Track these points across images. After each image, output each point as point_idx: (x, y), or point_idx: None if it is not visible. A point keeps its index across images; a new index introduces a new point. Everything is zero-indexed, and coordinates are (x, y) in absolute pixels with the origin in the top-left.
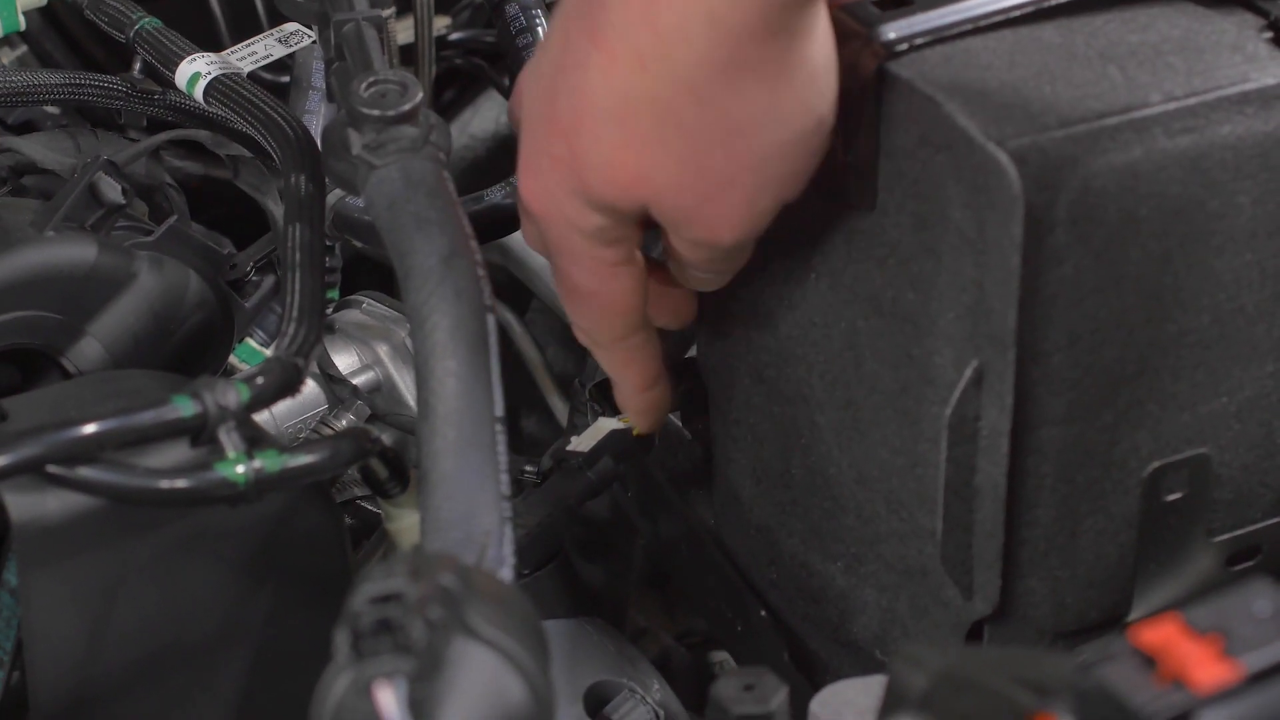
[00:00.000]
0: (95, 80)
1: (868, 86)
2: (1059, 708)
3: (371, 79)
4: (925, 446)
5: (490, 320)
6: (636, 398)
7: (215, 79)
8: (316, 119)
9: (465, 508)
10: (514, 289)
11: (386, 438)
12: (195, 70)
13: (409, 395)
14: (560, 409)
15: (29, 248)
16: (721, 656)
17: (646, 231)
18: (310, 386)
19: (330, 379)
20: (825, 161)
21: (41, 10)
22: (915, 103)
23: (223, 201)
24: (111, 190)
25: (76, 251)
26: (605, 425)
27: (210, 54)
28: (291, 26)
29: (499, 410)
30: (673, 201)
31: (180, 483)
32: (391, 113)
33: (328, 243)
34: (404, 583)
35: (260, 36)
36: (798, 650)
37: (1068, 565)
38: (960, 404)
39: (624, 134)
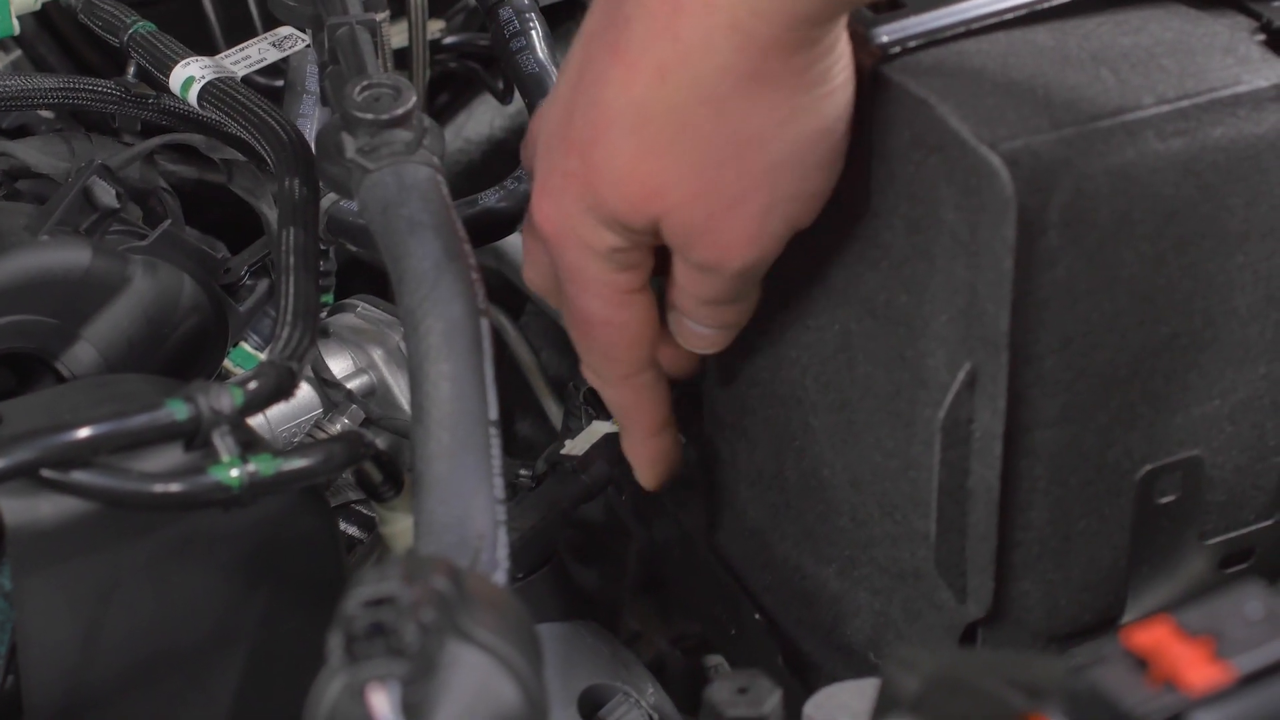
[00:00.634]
0: (89, 84)
1: (862, 88)
2: (1051, 710)
3: (365, 83)
4: (918, 449)
5: (484, 324)
6: (645, 444)
7: (209, 83)
8: (310, 123)
9: (459, 511)
10: (508, 292)
11: (381, 442)
12: (189, 74)
13: (403, 399)
14: (554, 413)
15: (23, 252)
16: (716, 660)
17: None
18: (304, 390)
19: (324, 383)
20: None
21: (35, 14)
22: (908, 105)
23: (217, 205)
24: (106, 194)
25: (71, 256)
26: (599, 429)
27: (204, 58)
28: (285, 30)
29: (493, 414)
30: (685, 216)
31: (174, 486)
32: (385, 116)
33: (322, 247)
34: (398, 586)
35: (254, 40)
36: (792, 653)
37: (1061, 568)
38: (953, 406)
39: (640, 145)
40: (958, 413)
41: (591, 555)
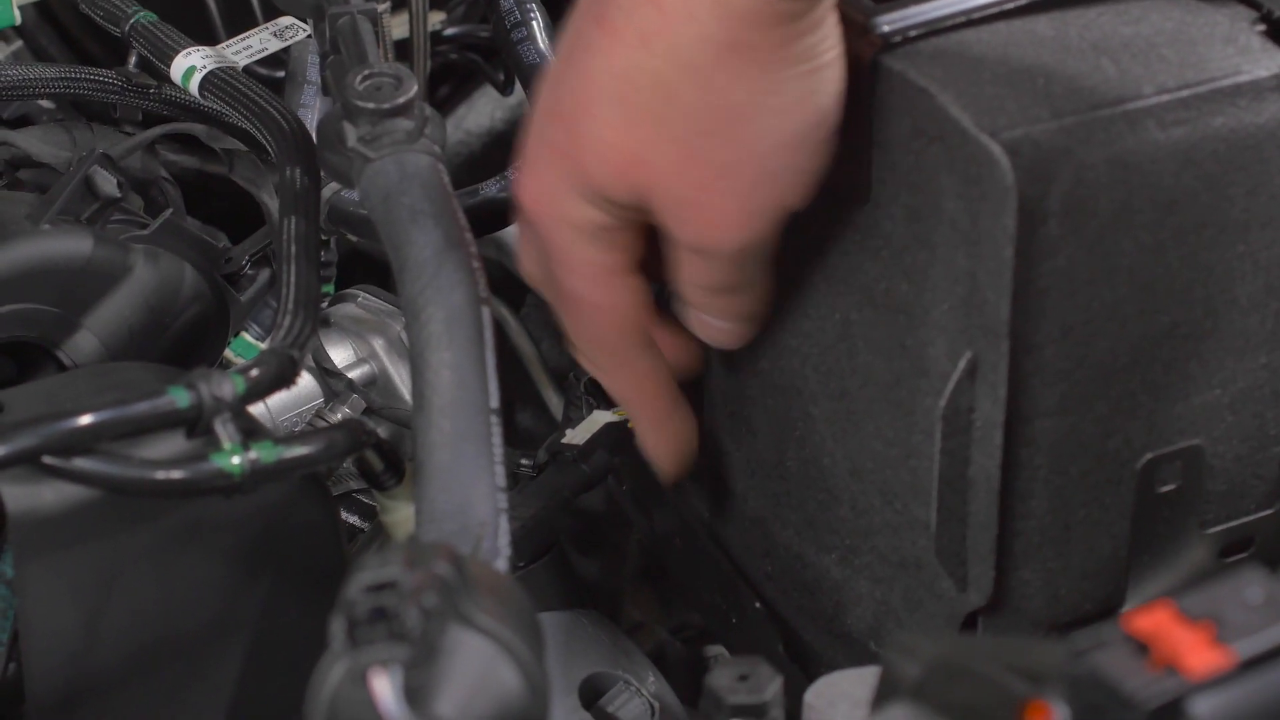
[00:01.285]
0: (90, 74)
1: (863, 78)
2: (1051, 694)
3: (366, 72)
4: (919, 438)
5: (485, 313)
6: (654, 433)
7: (210, 73)
8: (312, 113)
9: (460, 499)
10: (509, 283)
11: (382, 431)
12: (190, 64)
13: (404, 388)
14: (555, 403)
15: (25, 241)
16: (717, 650)
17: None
18: (306, 379)
19: (325, 372)
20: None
21: (36, 4)
22: (909, 94)
23: (218, 195)
24: (107, 184)
25: (72, 245)
26: (600, 418)
27: (205, 48)
28: (286, 20)
29: (494, 402)
30: (670, 188)
31: (176, 474)
32: (386, 105)
33: (323, 236)
34: (399, 571)
35: (255, 30)
36: (792, 642)
37: (1061, 557)
38: (954, 395)
39: (624, 114)
40: (958, 402)
41: (592, 544)
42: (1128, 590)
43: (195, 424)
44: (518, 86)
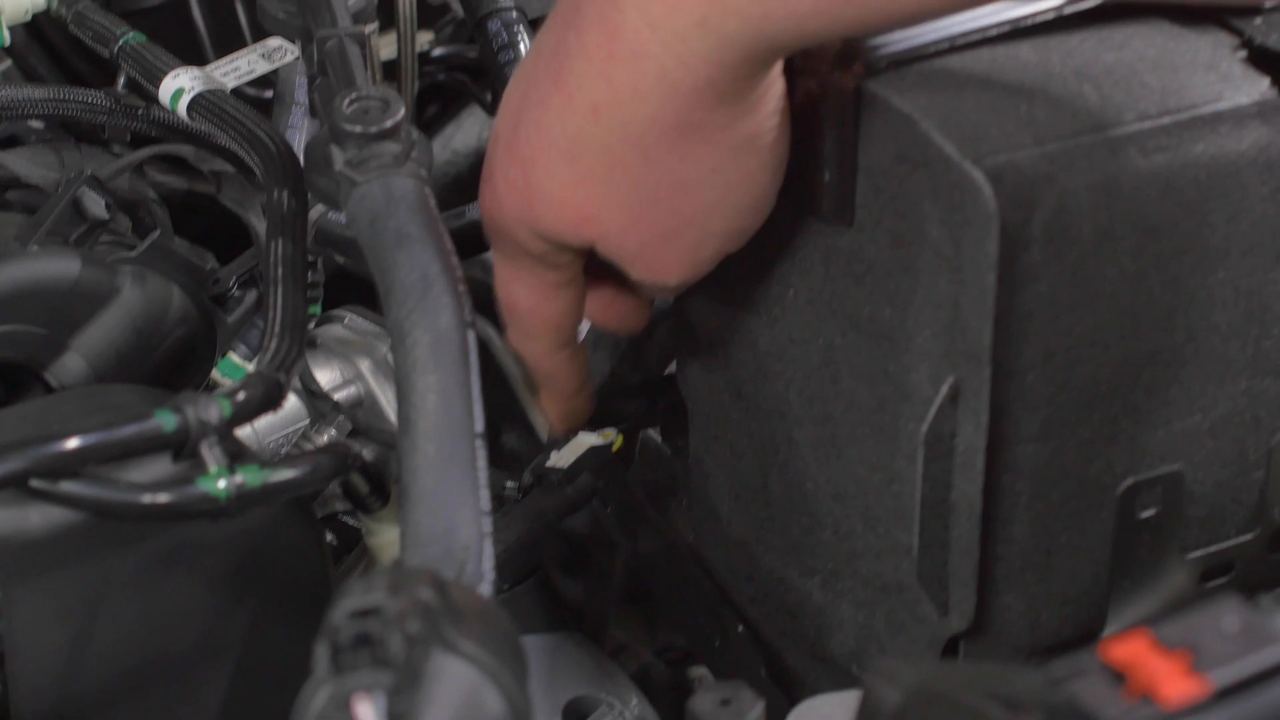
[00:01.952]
0: (79, 95)
1: (847, 104)
2: None
3: (354, 95)
4: (902, 463)
5: (471, 336)
6: (559, 403)
7: (199, 94)
8: (299, 134)
9: (445, 523)
10: (495, 304)
11: (368, 453)
12: (179, 85)
13: (390, 410)
14: (541, 424)
15: (12, 262)
16: (701, 672)
17: None
18: (292, 401)
19: (311, 394)
20: (804, 178)
21: (26, 25)
22: (892, 121)
23: (206, 216)
24: (95, 205)
25: (60, 266)
26: (585, 441)
27: (194, 69)
28: (275, 42)
29: (479, 426)
30: (618, 243)
31: (162, 497)
32: (373, 129)
33: (310, 258)
34: (383, 597)
35: (244, 52)
36: (775, 665)
37: (1043, 582)
38: (936, 420)
39: (575, 174)
40: (940, 427)
41: (577, 567)
42: (1109, 615)
43: (181, 447)
44: None
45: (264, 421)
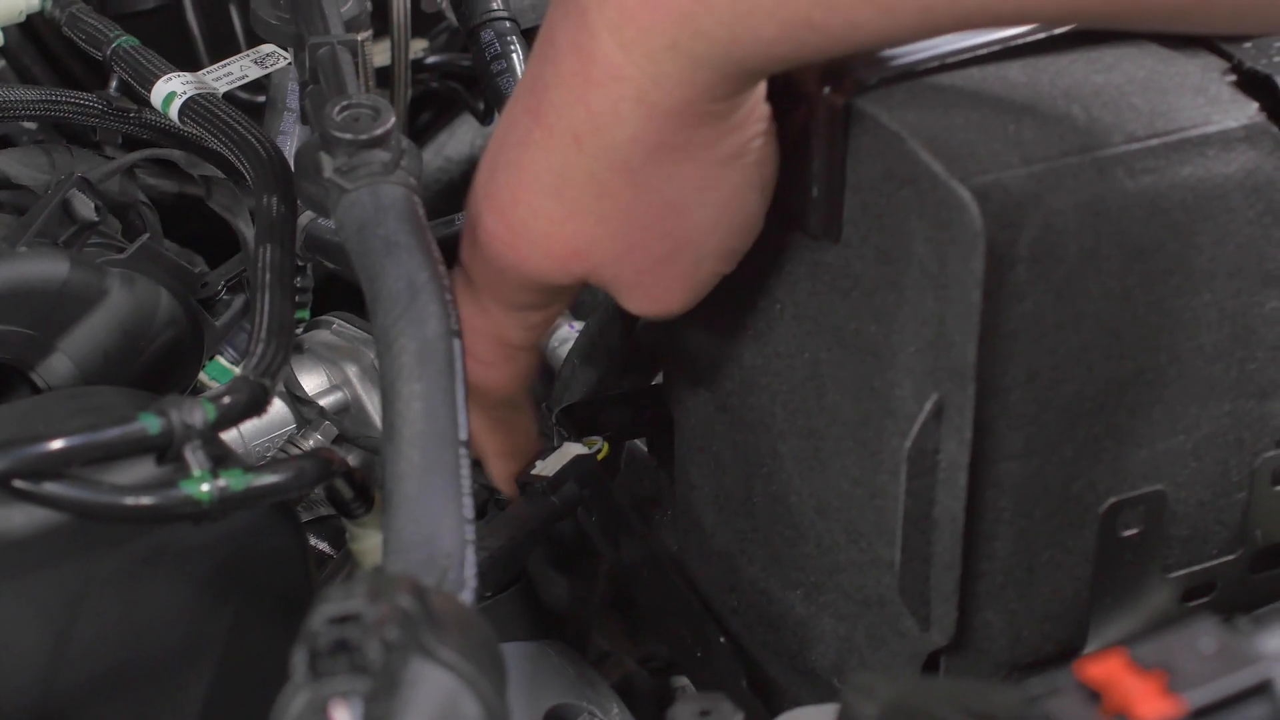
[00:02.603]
0: (71, 97)
1: (836, 121)
2: None
3: (345, 103)
4: (885, 478)
5: (457, 345)
6: (500, 464)
7: (190, 99)
8: (290, 140)
9: (428, 530)
10: None
11: (353, 459)
12: (171, 89)
13: (376, 416)
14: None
15: (1, 263)
16: (683, 682)
17: None
18: (278, 406)
19: (297, 399)
20: (793, 194)
21: (20, 26)
22: (881, 138)
23: (195, 220)
24: (85, 207)
25: (48, 267)
26: (570, 450)
27: (186, 74)
28: (267, 48)
29: (464, 434)
30: (613, 273)
31: (145, 500)
32: (363, 137)
33: (299, 263)
34: (362, 603)
35: (236, 57)
36: (756, 677)
37: (1024, 598)
38: (920, 437)
39: (562, 207)
40: (924, 443)
41: (560, 575)
42: (1090, 633)
43: (165, 450)
44: (498, 117)
45: (250, 426)
